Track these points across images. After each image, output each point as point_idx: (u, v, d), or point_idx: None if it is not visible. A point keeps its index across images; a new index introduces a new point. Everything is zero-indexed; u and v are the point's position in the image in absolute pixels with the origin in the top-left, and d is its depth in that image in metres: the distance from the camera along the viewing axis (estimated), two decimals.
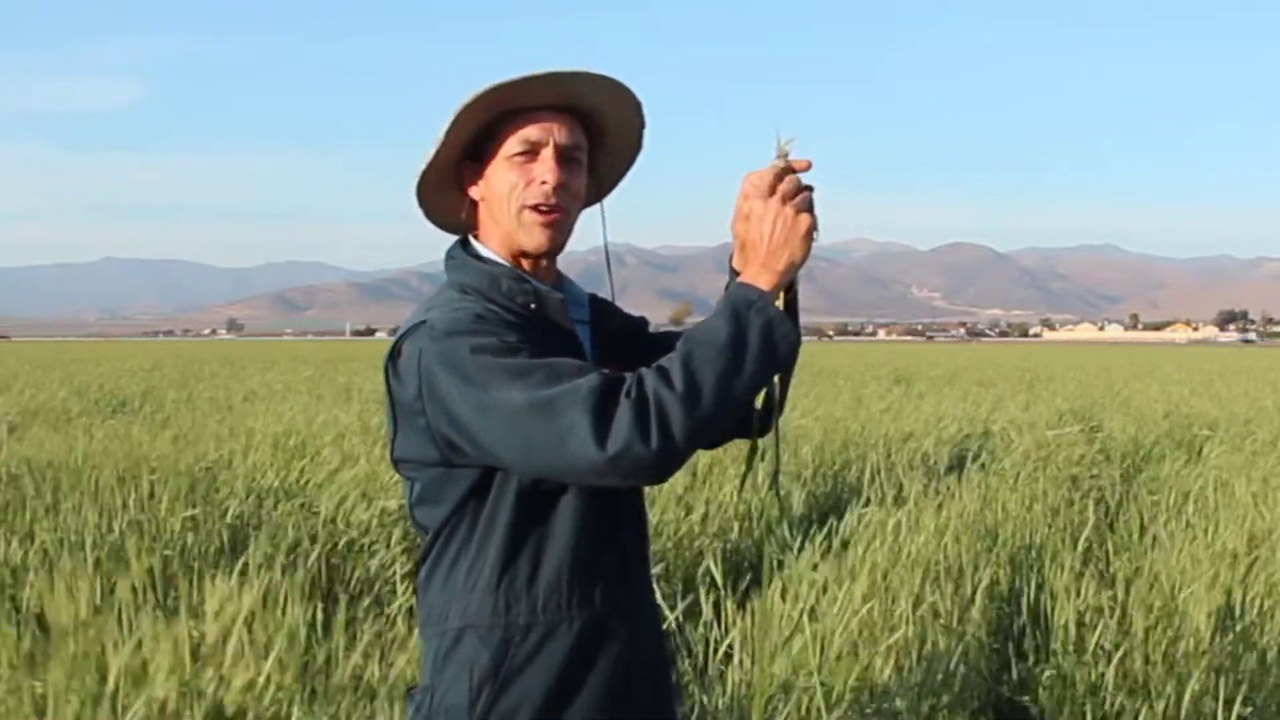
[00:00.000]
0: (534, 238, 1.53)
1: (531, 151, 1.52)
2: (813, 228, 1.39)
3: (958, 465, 8.06)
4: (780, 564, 4.30)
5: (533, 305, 1.51)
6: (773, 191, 1.39)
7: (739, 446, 1.58)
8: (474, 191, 1.57)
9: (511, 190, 1.52)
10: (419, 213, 1.62)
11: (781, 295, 1.43)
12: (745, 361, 1.32)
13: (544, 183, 1.51)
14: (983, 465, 7.66)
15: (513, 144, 1.52)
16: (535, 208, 1.51)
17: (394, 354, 1.47)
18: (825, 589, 3.81)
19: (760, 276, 1.38)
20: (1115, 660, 3.49)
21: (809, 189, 1.41)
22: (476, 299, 1.48)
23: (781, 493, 1.46)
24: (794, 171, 1.42)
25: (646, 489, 1.70)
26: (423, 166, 1.53)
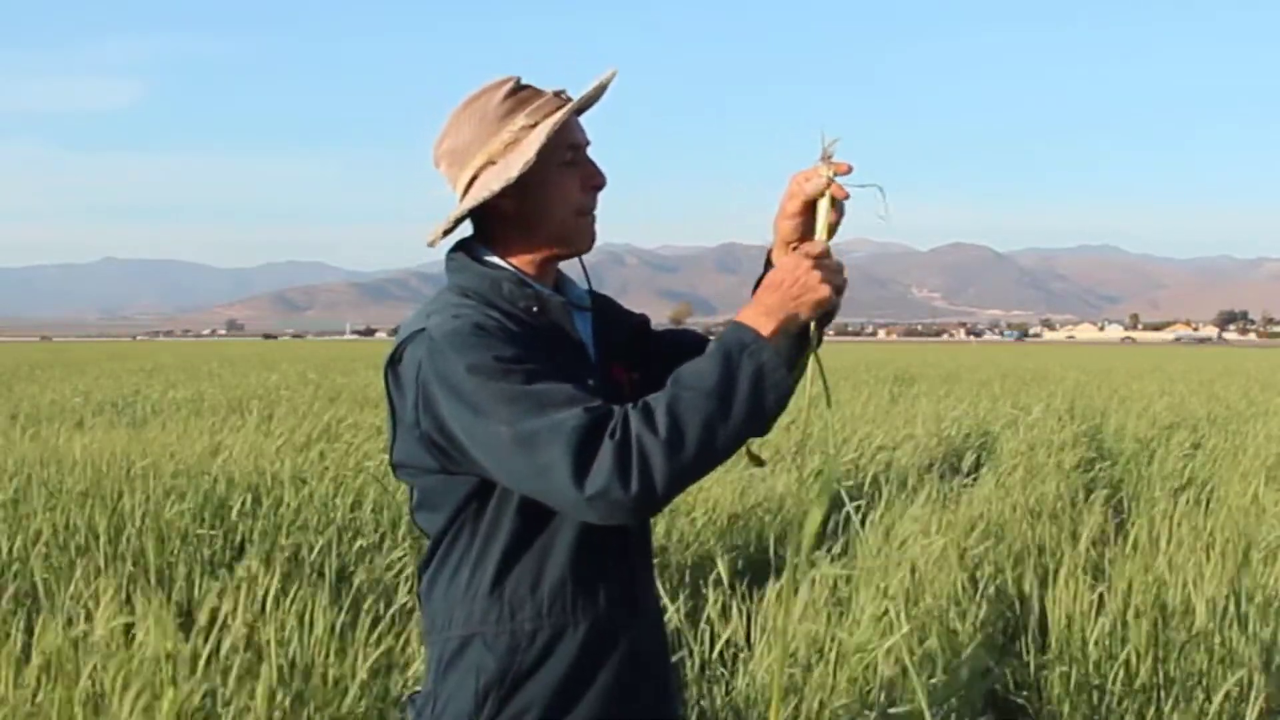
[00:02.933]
0: (588, 238, 1.55)
1: (575, 154, 1.52)
2: (826, 301, 1.37)
3: (961, 464, 8.05)
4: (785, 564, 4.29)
5: (535, 309, 1.50)
6: (814, 256, 1.38)
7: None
8: (503, 203, 1.49)
9: (569, 196, 1.51)
10: (431, 224, 1.56)
11: (815, 324, 1.42)
12: (732, 409, 1.30)
13: (597, 186, 1.53)
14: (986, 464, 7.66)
15: (561, 151, 1.50)
16: (589, 210, 1.54)
17: (394, 360, 1.46)
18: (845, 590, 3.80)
19: (762, 320, 1.36)
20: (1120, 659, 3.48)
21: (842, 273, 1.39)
22: (477, 303, 1.46)
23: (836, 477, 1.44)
24: (838, 176, 1.41)
25: None
26: (498, 186, 1.45)
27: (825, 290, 1.36)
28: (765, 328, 1.35)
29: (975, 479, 7.18)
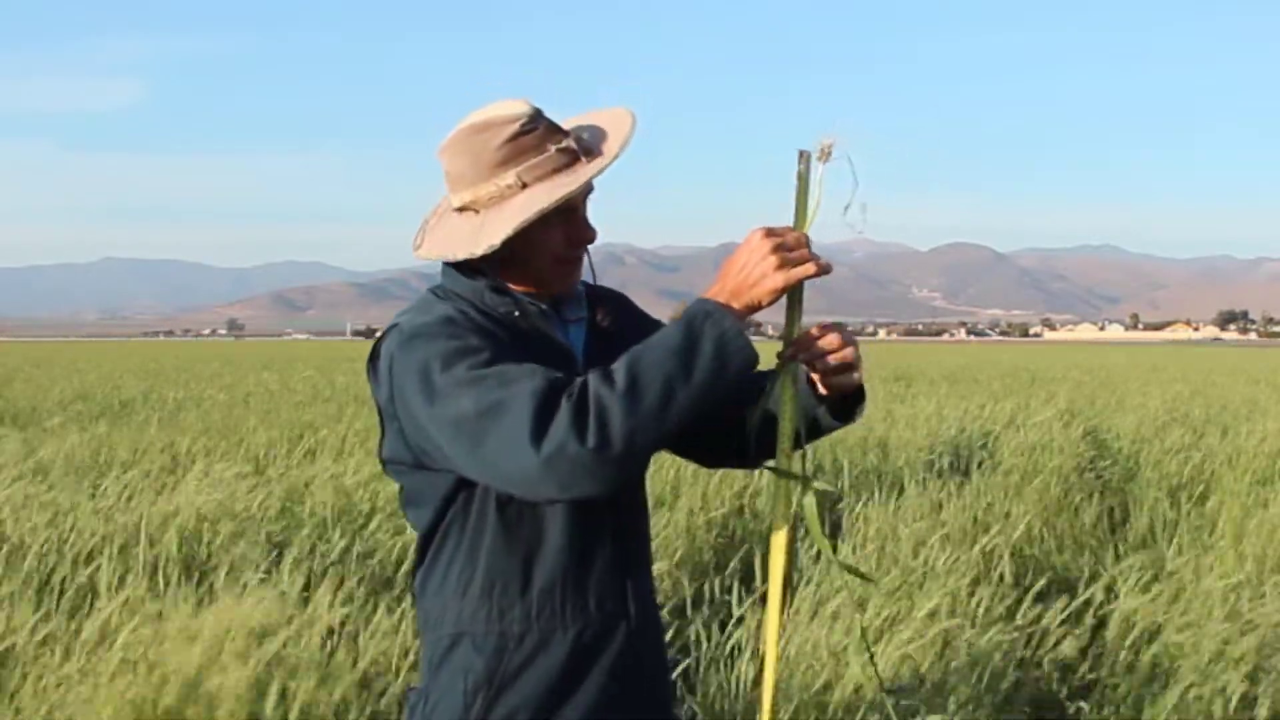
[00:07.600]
0: (567, 281, 1.56)
1: (567, 213, 1.49)
2: (779, 290, 1.33)
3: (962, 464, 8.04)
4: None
5: (515, 314, 1.50)
6: (773, 235, 1.34)
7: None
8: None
9: (550, 248, 1.50)
10: (424, 249, 1.54)
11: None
12: (694, 368, 1.27)
13: (584, 241, 1.53)
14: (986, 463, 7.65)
15: (551, 213, 1.45)
16: (571, 260, 1.54)
17: (373, 356, 1.48)
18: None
19: (728, 298, 1.34)
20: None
21: (818, 266, 1.35)
22: (453, 301, 1.48)
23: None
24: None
25: (646, 485, 1.67)
26: (463, 255, 1.45)
27: (777, 280, 1.32)
28: (729, 303, 1.33)
29: (973, 476, 7.17)
